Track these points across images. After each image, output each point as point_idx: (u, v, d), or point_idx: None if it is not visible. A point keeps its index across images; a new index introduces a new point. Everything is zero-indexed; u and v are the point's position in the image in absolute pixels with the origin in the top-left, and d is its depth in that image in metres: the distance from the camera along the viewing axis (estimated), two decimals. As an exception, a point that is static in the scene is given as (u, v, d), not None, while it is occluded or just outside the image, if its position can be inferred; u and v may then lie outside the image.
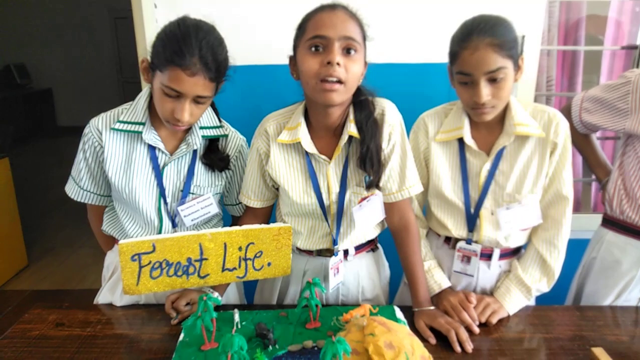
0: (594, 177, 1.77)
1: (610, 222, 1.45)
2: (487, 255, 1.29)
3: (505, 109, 1.21)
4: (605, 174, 1.52)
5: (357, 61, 1.05)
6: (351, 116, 1.14)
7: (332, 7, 1.05)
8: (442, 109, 1.31)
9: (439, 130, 1.27)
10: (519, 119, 1.18)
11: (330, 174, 1.18)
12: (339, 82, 1.03)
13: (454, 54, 1.17)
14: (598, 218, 1.51)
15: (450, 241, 1.33)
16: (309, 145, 1.15)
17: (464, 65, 1.13)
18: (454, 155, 1.27)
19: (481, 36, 1.10)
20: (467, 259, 1.29)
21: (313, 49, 1.04)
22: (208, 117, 1.27)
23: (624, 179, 1.39)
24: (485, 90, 1.11)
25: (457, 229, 1.29)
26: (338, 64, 1.01)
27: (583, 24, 2.06)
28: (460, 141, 1.25)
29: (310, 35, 1.04)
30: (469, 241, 1.28)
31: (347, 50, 1.04)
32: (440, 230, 1.34)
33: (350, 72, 1.04)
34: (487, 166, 1.23)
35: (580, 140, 1.54)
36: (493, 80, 1.11)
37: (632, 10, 2.00)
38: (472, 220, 1.27)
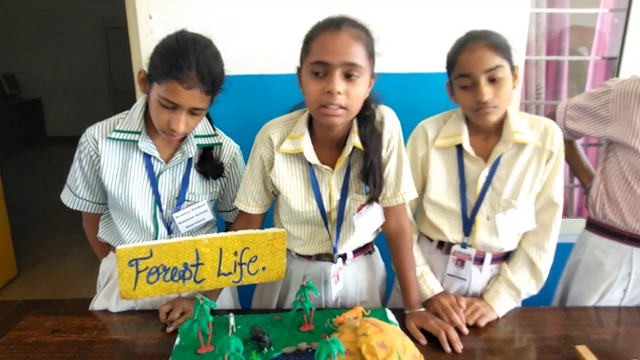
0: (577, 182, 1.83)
1: (593, 226, 1.50)
2: (479, 260, 1.32)
3: (503, 117, 1.25)
4: (588, 179, 1.57)
5: (360, 84, 1.05)
6: (355, 127, 1.15)
7: (338, 26, 1.02)
8: (441, 116, 1.35)
9: (438, 136, 1.31)
10: (516, 127, 1.22)
11: (332, 183, 1.20)
12: (341, 107, 1.04)
13: (452, 62, 1.21)
14: (582, 222, 1.56)
15: (444, 246, 1.36)
16: (311, 156, 1.17)
17: (463, 67, 1.17)
18: (452, 161, 1.30)
19: (477, 40, 1.16)
20: (460, 262, 1.32)
21: (315, 74, 1.04)
22: (202, 126, 1.30)
23: (606, 184, 1.44)
24: (486, 89, 1.15)
25: (452, 233, 1.32)
26: (339, 92, 1.01)
27: (566, 34, 2.13)
28: (459, 147, 1.29)
29: (313, 59, 1.03)
30: (463, 245, 1.32)
31: (349, 75, 1.03)
32: (434, 234, 1.36)
33: (351, 97, 1.04)
34: (485, 172, 1.26)
35: (565, 146, 1.58)
36: (492, 80, 1.15)
37: (611, 22, 2.07)
38: (468, 225, 1.30)
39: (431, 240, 1.39)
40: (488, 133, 1.27)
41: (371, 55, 1.08)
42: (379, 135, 1.16)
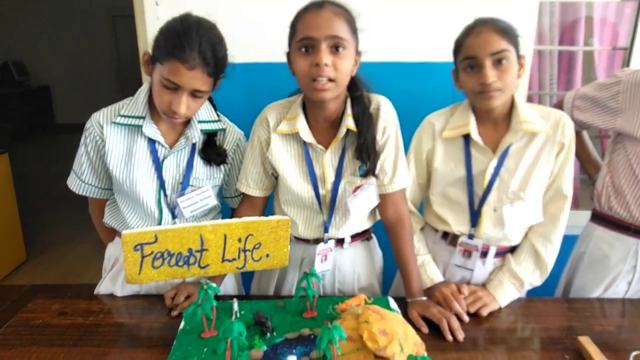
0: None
1: (599, 218, 1.48)
2: (483, 252, 1.32)
3: (512, 107, 1.24)
4: (596, 171, 1.55)
5: (346, 57, 1.09)
6: (349, 110, 1.18)
7: (319, 5, 1.09)
8: (448, 109, 1.35)
9: (447, 128, 1.30)
10: (525, 117, 1.21)
11: (325, 163, 1.23)
12: (330, 80, 1.07)
13: (459, 46, 1.22)
14: (587, 214, 1.55)
15: (448, 236, 1.36)
16: (307, 135, 1.20)
17: (469, 49, 1.18)
18: (459, 152, 1.30)
19: (485, 24, 1.17)
20: (467, 253, 1.32)
21: (303, 49, 1.09)
22: (206, 111, 1.31)
23: (612, 176, 1.43)
24: (491, 72, 1.15)
25: (457, 224, 1.32)
26: (326, 64, 1.06)
27: (580, 24, 2.10)
28: (466, 138, 1.28)
29: (299, 37, 1.09)
30: (470, 236, 1.31)
31: (335, 48, 1.07)
32: (439, 225, 1.37)
33: (339, 70, 1.08)
34: (494, 163, 1.25)
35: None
36: (498, 63, 1.15)
37: (622, 12, 2.04)
38: (474, 216, 1.30)
39: (436, 231, 1.38)
40: (496, 123, 1.26)
41: (354, 32, 1.12)
42: (370, 115, 1.19)
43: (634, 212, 1.37)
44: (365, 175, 1.22)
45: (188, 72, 1.10)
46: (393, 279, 1.51)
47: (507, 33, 1.15)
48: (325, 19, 1.06)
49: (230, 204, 1.47)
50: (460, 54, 1.21)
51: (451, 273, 1.36)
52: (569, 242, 1.52)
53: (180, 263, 1.13)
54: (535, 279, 1.30)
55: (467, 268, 1.33)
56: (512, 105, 1.25)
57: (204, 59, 1.11)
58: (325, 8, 1.08)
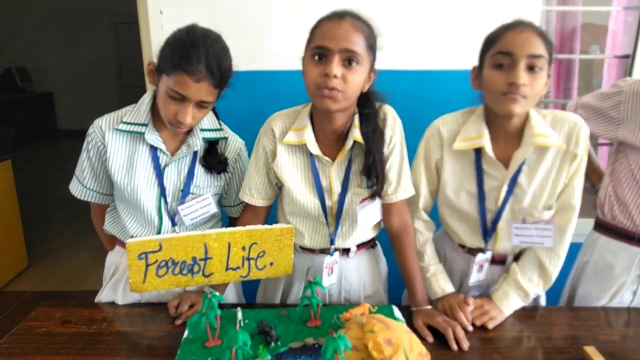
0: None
1: (602, 227, 1.48)
2: (501, 262, 1.32)
3: (525, 120, 1.19)
4: (599, 180, 1.55)
5: (358, 72, 1.08)
6: (356, 123, 1.17)
7: (341, 16, 1.07)
8: (459, 114, 1.28)
9: (457, 138, 1.23)
10: (538, 130, 1.16)
11: (332, 175, 1.22)
12: (338, 90, 1.07)
13: (493, 39, 1.14)
14: (589, 222, 1.54)
15: (465, 246, 1.34)
16: (314, 148, 1.19)
17: (506, 44, 1.10)
18: (470, 166, 1.25)
19: (526, 24, 1.11)
20: (480, 267, 1.31)
21: (316, 57, 1.08)
22: (209, 120, 1.31)
23: (615, 185, 1.42)
24: (523, 73, 1.08)
25: (470, 239, 1.31)
26: (335, 76, 1.04)
27: (578, 32, 2.11)
28: (477, 151, 1.23)
29: (314, 44, 1.08)
30: (484, 251, 1.30)
31: (348, 61, 1.06)
32: (454, 237, 1.36)
33: (349, 83, 1.07)
34: (507, 180, 1.21)
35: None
36: (531, 68, 1.09)
37: (624, 20, 2.05)
38: (487, 232, 1.27)
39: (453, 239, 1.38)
40: (509, 137, 1.21)
41: (371, 48, 1.10)
42: (381, 132, 1.18)
43: (637, 222, 1.37)
44: (372, 196, 1.21)
45: (195, 84, 1.11)
46: (398, 285, 1.50)
47: (547, 40, 1.10)
48: (343, 31, 1.05)
49: (229, 213, 1.47)
50: (494, 47, 1.12)
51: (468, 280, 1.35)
52: (571, 250, 1.50)
53: (185, 271, 1.13)
54: (539, 289, 1.29)
55: (482, 284, 1.32)
56: (526, 117, 1.19)
57: (210, 71, 1.12)
58: (345, 20, 1.06)
